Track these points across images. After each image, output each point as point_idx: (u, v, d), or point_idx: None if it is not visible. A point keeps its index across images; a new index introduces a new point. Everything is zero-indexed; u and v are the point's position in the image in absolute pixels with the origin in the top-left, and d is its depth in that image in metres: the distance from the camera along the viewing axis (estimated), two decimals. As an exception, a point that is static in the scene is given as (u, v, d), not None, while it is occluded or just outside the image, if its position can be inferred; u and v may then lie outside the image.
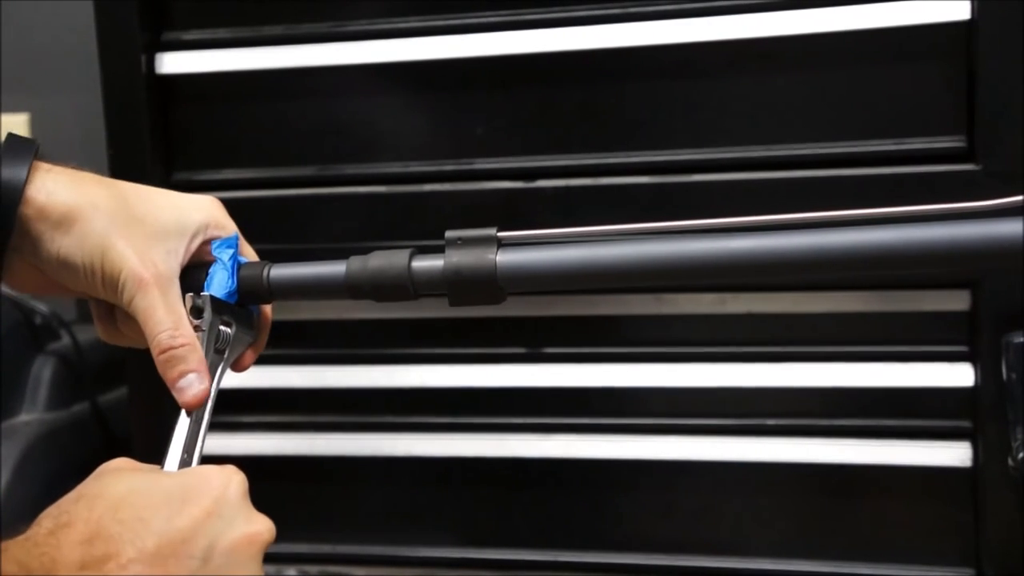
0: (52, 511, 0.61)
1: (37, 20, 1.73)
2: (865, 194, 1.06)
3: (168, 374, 0.72)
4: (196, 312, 0.74)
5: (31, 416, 1.37)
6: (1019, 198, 0.68)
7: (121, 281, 0.73)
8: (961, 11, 1.04)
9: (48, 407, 1.39)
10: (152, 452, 1.24)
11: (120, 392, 1.41)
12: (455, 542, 1.24)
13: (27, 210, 0.72)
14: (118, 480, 0.63)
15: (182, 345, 0.72)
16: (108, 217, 0.73)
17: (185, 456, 0.70)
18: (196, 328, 0.74)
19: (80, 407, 1.43)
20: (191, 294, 0.75)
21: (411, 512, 1.25)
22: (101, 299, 0.77)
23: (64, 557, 0.58)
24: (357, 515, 1.25)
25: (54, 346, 1.44)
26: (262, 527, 0.65)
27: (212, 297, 0.75)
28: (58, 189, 0.73)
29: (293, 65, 1.19)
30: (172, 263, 0.74)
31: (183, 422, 0.72)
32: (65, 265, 0.74)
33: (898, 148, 1.08)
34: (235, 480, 0.65)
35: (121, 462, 0.66)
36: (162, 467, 0.70)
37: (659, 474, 1.17)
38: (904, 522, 1.14)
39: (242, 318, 0.78)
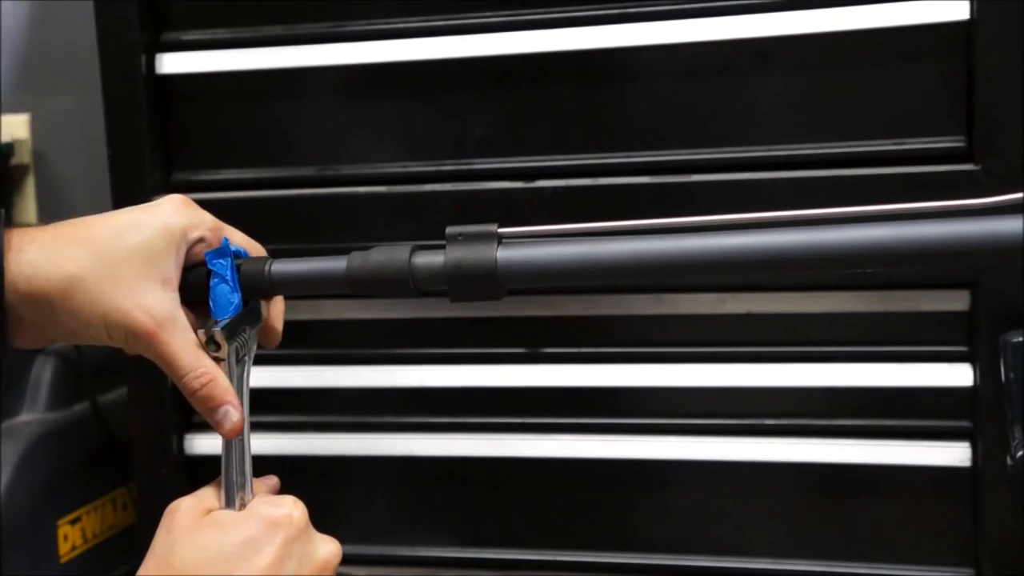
0: None
1: (37, 20, 1.73)
2: (864, 194, 1.06)
3: (203, 411, 0.74)
4: (212, 345, 0.75)
5: (31, 416, 1.37)
6: (1018, 195, 0.68)
7: (131, 338, 0.73)
8: (960, 11, 1.04)
9: (48, 407, 1.39)
10: (152, 451, 1.23)
11: (120, 392, 1.41)
12: (455, 542, 1.24)
13: (13, 297, 0.71)
14: (193, 547, 0.67)
15: (206, 384, 0.73)
16: (94, 281, 0.72)
17: (239, 479, 0.73)
18: (216, 359, 0.74)
19: (80, 407, 1.43)
20: (202, 330, 0.75)
21: (411, 512, 1.25)
22: None
23: None
24: (357, 515, 1.25)
25: (54, 346, 1.44)
26: (329, 552, 0.70)
27: (223, 328, 0.75)
28: (35, 272, 0.71)
29: (293, 65, 1.19)
30: (170, 295, 0.74)
31: (226, 445, 0.74)
32: (69, 335, 0.74)
33: (897, 148, 1.08)
34: (295, 515, 0.70)
35: (185, 512, 0.70)
36: (219, 486, 0.73)
37: (659, 474, 1.17)
38: (903, 522, 1.14)
39: (250, 315, 0.78)
